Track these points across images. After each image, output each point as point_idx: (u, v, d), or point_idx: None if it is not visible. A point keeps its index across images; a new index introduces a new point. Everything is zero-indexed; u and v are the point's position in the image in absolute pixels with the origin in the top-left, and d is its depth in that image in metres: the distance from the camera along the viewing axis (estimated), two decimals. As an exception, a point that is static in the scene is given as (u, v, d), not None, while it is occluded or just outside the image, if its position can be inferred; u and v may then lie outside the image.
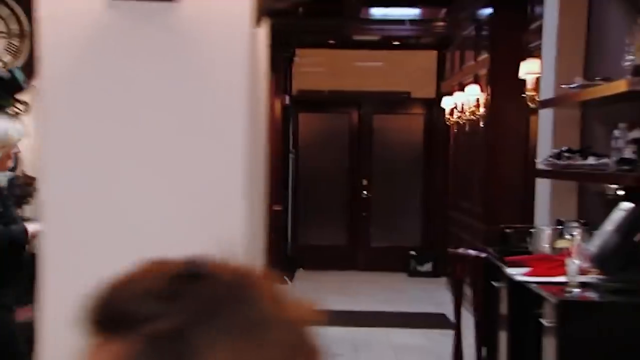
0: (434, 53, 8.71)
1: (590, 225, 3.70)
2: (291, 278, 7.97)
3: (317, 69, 8.85)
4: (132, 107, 1.99)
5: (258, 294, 0.55)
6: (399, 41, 8.56)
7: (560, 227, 3.95)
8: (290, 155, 8.03)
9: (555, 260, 3.49)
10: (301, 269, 8.44)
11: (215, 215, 1.95)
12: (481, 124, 6.38)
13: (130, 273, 0.56)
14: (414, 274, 8.48)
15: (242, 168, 1.98)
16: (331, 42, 8.58)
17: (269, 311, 0.54)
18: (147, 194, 1.98)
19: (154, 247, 1.84)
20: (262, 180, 2.88)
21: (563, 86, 3.91)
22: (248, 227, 2.03)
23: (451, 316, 4.92)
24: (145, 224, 1.96)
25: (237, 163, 1.98)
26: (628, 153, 3.16)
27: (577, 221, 3.87)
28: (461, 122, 7.15)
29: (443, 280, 7.95)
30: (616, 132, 3.28)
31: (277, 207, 6.99)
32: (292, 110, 8.64)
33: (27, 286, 2.65)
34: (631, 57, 3.08)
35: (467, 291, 4.78)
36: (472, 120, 6.64)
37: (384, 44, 8.59)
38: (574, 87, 3.74)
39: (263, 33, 2.35)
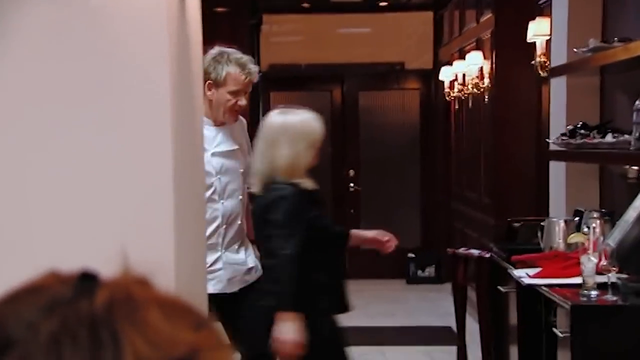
0: (430, 15, 8.73)
1: (613, 216, 3.75)
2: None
3: (290, 38, 8.86)
4: (40, 100, 2.03)
5: (135, 331, 0.56)
6: (387, 1, 8.59)
7: (577, 218, 4.01)
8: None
9: (569, 259, 3.54)
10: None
11: (140, 222, 2.00)
12: (486, 99, 6.42)
13: (18, 288, 0.60)
14: (414, 280, 8.52)
15: (170, 165, 2.02)
16: (306, 5, 8.59)
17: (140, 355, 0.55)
18: (62, 196, 2.02)
19: (71, 252, 1.91)
20: (202, 183, 2.84)
21: (576, 50, 3.95)
22: (181, 233, 2.06)
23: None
24: (63, 227, 2.01)
25: (163, 160, 2.02)
26: (651, 128, 3.21)
27: (598, 211, 3.91)
28: (463, 97, 7.21)
29: (448, 286, 7.98)
30: (638, 103, 3.29)
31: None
32: (261, 89, 8.58)
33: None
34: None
35: (472, 298, 4.83)
36: (476, 93, 6.69)
37: (370, 5, 8.61)
38: (587, 51, 3.79)
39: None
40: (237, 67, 3.42)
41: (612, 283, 3.11)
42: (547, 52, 4.72)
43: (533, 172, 5.83)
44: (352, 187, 8.86)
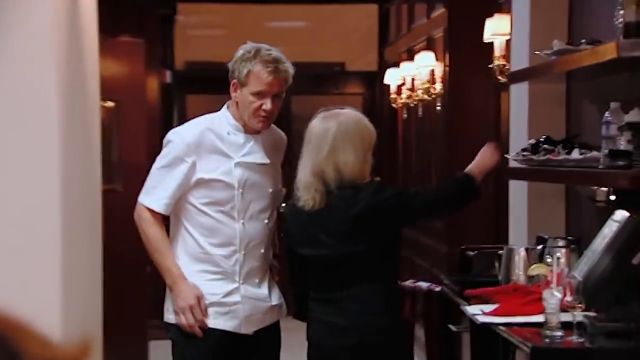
0: (374, 8, 8.81)
1: (580, 244, 3.81)
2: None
3: (211, 31, 8.91)
4: None
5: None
6: (326, -9, 8.63)
7: (540, 246, 4.02)
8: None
9: (530, 293, 3.56)
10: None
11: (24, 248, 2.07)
12: (438, 106, 6.45)
13: None
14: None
15: (56, 182, 2.11)
16: (230, -7, 8.57)
17: None
18: None
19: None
20: (97, 195, 3.00)
21: (538, 52, 3.98)
22: (69, 264, 2.02)
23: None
24: None
25: (49, 176, 2.12)
26: (622, 143, 3.22)
27: (563, 238, 3.95)
28: (412, 104, 7.25)
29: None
30: (607, 115, 3.33)
31: None
32: (176, 92, 8.59)
33: None
34: (622, 13, 3.14)
35: (420, 337, 4.84)
36: (426, 100, 6.72)
37: (306, -5, 8.66)
38: (551, 54, 3.82)
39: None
40: (260, 64, 3.43)
41: (578, 322, 3.12)
42: (507, 55, 4.77)
43: (491, 192, 5.82)
44: (282, 207, 8.80)
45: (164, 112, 7.92)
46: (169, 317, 3.45)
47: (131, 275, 5.90)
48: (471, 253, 4.53)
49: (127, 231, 5.77)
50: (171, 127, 8.10)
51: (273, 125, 3.60)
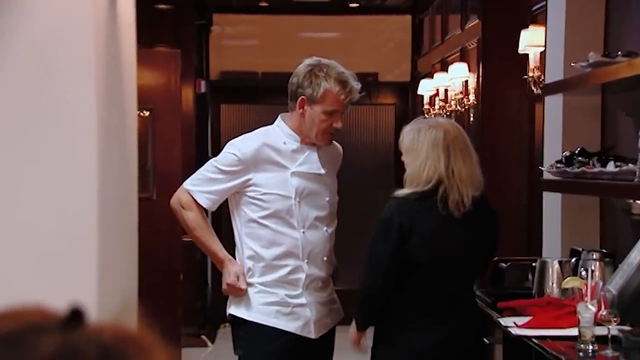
0: (408, 19, 8.79)
1: (614, 258, 3.79)
2: (212, 338, 7.89)
3: (245, 42, 8.88)
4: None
5: None
6: (358, 2, 8.60)
7: (574, 259, 4.01)
8: (209, 163, 7.99)
9: (564, 306, 3.55)
10: (227, 324, 8.34)
11: (59, 261, 2.08)
12: (471, 118, 6.42)
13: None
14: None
15: (94, 190, 2.10)
16: (263, 4, 8.59)
17: None
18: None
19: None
20: (134, 204, 3.04)
21: (574, 64, 3.96)
22: (106, 272, 2.13)
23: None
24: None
25: (86, 186, 2.10)
26: (659, 156, 3.22)
27: (598, 251, 3.93)
28: (444, 115, 7.11)
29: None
30: (644, 128, 3.33)
31: (189, 238, 6.89)
32: (210, 101, 8.57)
33: None
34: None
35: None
36: (459, 111, 6.69)
37: (339, 6, 8.66)
38: (587, 66, 3.80)
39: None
40: (337, 84, 3.46)
41: (613, 336, 3.10)
42: (542, 66, 4.73)
43: (524, 204, 5.80)
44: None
45: (198, 121, 7.89)
46: (232, 310, 3.54)
47: (164, 284, 5.96)
48: (504, 265, 4.51)
49: (160, 239, 5.94)
50: (206, 137, 8.23)
51: None
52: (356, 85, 3.51)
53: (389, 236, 3.26)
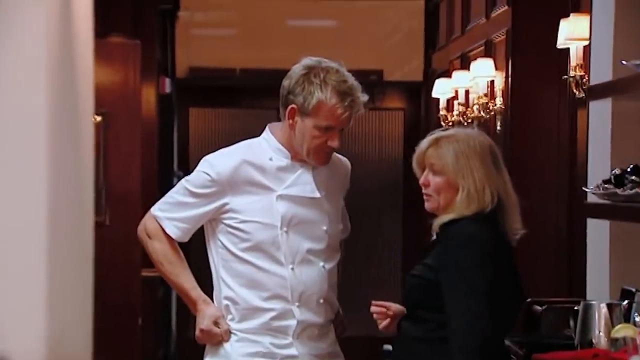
0: (420, 4, 8.55)
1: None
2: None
3: (219, 31, 8.73)
4: None
5: None
6: (359, -17, 8.44)
7: (626, 302, 3.82)
8: (175, 180, 7.82)
9: (613, 360, 3.37)
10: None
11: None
12: (498, 126, 6.17)
13: None
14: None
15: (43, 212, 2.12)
16: (243, -17, 8.48)
17: None
18: None
19: None
20: (89, 230, 3.00)
21: (625, 62, 3.76)
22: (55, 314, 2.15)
23: None
24: None
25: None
26: None
27: (655, 293, 3.72)
28: (465, 123, 6.89)
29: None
30: None
31: (149, 272, 6.60)
32: (177, 104, 8.44)
33: None
34: None
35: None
36: (484, 118, 6.43)
37: (337, -11, 8.54)
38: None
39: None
40: (334, 95, 3.25)
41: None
42: (586, 64, 4.55)
43: (564, 234, 5.68)
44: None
45: (162, 128, 7.67)
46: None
47: (119, 329, 5.76)
48: (539, 308, 4.36)
49: (115, 273, 5.90)
50: (171, 148, 8.07)
51: None
52: (361, 97, 3.30)
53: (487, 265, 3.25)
